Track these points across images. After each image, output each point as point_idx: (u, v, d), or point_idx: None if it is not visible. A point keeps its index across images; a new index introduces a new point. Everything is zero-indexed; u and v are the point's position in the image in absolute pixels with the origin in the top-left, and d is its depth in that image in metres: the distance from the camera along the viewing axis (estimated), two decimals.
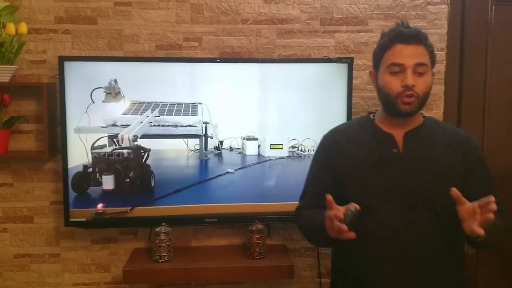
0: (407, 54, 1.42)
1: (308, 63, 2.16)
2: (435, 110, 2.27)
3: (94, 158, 2.05)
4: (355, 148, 1.53)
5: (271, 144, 2.15)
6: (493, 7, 2.29)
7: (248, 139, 2.14)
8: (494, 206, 1.22)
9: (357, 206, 1.29)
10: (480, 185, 1.48)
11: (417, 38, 1.43)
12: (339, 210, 1.29)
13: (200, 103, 2.09)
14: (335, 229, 1.29)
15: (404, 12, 2.23)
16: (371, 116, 1.59)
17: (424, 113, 1.58)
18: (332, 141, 1.60)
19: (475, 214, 1.26)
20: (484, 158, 1.56)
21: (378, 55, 1.50)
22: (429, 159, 1.47)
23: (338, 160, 1.55)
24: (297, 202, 1.64)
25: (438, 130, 1.54)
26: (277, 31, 2.20)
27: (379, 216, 1.44)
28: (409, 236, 1.42)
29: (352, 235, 1.27)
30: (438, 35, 2.24)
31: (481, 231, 1.23)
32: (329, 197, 1.31)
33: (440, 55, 2.26)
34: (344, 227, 1.26)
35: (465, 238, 1.35)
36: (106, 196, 2.07)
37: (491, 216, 1.22)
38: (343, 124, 1.67)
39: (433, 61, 1.48)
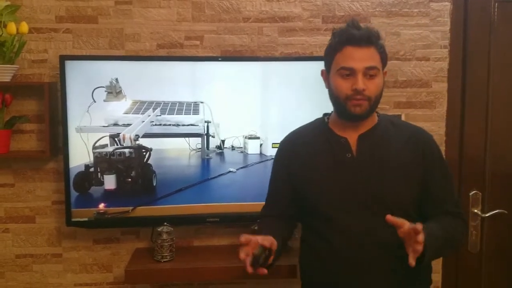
0: (358, 58, 1.39)
1: (310, 61, 2.14)
2: (438, 108, 2.26)
3: (95, 157, 2.04)
4: (311, 153, 1.52)
5: (273, 143, 2.14)
6: (496, 4, 2.27)
7: (250, 138, 2.13)
8: (420, 238, 1.20)
9: (266, 245, 1.30)
10: (439, 185, 1.47)
11: (367, 40, 1.40)
12: (247, 252, 1.29)
13: (201, 102, 2.08)
14: (247, 268, 1.30)
15: (407, 9, 2.21)
16: (326, 119, 1.57)
17: (379, 112, 1.55)
18: (289, 146, 1.59)
19: (411, 238, 1.23)
20: (441, 154, 1.53)
21: (329, 57, 1.47)
22: (385, 161, 1.44)
23: (295, 165, 1.53)
24: None
25: (393, 130, 1.51)
26: (279, 29, 2.19)
27: (336, 223, 1.43)
28: (369, 242, 1.40)
29: (262, 272, 1.30)
30: (441, 33, 2.23)
31: (412, 263, 1.22)
32: (242, 238, 1.31)
33: (443, 52, 2.24)
34: (249, 269, 1.28)
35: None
36: (108, 196, 2.06)
37: (419, 247, 1.21)
38: (299, 127, 1.63)
39: (384, 62, 1.45)
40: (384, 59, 1.45)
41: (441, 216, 1.44)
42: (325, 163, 1.48)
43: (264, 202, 1.67)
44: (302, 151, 1.54)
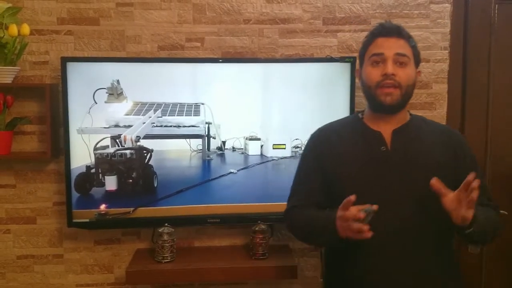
0: (388, 46, 1.43)
1: (311, 62, 2.16)
2: (439, 109, 2.26)
3: (97, 158, 2.05)
4: (345, 146, 1.52)
5: (273, 144, 2.15)
6: (496, 5, 2.28)
7: (250, 139, 2.14)
8: (475, 183, 1.22)
9: (375, 206, 1.28)
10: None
11: (398, 32, 1.45)
12: (356, 211, 1.28)
13: (202, 104, 2.08)
14: (354, 229, 1.28)
15: (407, 11, 2.22)
16: (359, 115, 1.58)
17: (411, 111, 1.57)
18: (322, 139, 1.58)
19: (461, 201, 1.25)
20: (471, 151, 1.55)
21: (362, 52, 1.51)
22: (418, 156, 1.46)
23: (329, 158, 1.53)
24: None
25: (426, 127, 1.53)
26: (280, 30, 2.19)
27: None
28: (400, 236, 1.41)
29: (370, 234, 1.27)
30: (441, 34, 2.23)
31: (470, 213, 1.24)
32: (352, 197, 1.29)
33: (443, 54, 2.25)
34: (365, 227, 1.26)
35: (456, 230, 1.34)
36: (109, 197, 2.07)
37: (475, 194, 1.23)
38: (331, 122, 1.64)
39: (416, 57, 1.48)
40: (416, 55, 1.48)
41: (483, 206, 1.44)
42: (358, 156, 1.48)
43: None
44: (335, 143, 1.54)
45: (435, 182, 1.28)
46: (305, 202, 1.56)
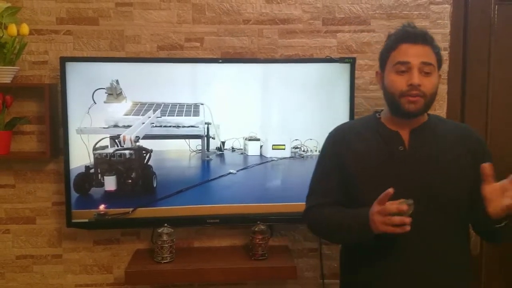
0: (413, 53, 1.41)
1: (310, 63, 2.15)
2: (438, 110, 2.26)
3: (96, 159, 2.05)
4: (363, 145, 1.52)
5: (273, 145, 2.14)
6: (496, 6, 2.28)
7: (250, 140, 2.14)
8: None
9: (410, 200, 1.28)
10: None
11: (423, 38, 1.42)
12: (396, 205, 1.28)
13: (202, 104, 2.08)
14: (395, 222, 1.27)
15: (407, 12, 2.22)
16: (377, 114, 1.58)
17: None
18: (340, 137, 1.58)
19: (504, 191, 1.25)
20: (490, 151, 1.54)
21: (384, 56, 1.49)
22: (436, 156, 1.45)
23: (346, 156, 1.52)
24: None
25: (443, 126, 1.53)
26: (279, 31, 2.19)
27: None
28: (416, 235, 1.39)
29: (408, 228, 1.27)
30: (441, 35, 2.23)
31: (509, 204, 1.23)
32: (390, 191, 1.29)
33: (443, 54, 2.20)
34: (408, 219, 1.26)
35: (488, 223, 1.31)
36: (108, 197, 2.06)
37: (507, 201, 1.23)
38: (348, 121, 1.65)
39: (439, 63, 1.47)
40: (439, 61, 1.46)
41: None
42: (376, 155, 1.48)
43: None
44: (353, 142, 1.53)
45: (488, 167, 1.27)
46: (323, 201, 1.55)
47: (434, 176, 1.43)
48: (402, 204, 1.27)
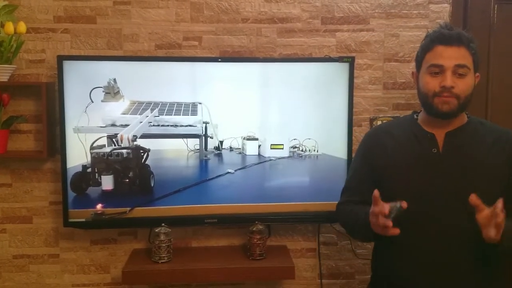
0: (447, 56, 1.40)
1: (309, 62, 2.14)
2: None
3: (93, 158, 2.04)
4: (396, 145, 1.52)
5: (271, 144, 2.14)
6: (496, 5, 2.27)
7: (248, 139, 2.13)
8: (499, 208, 1.22)
9: (404, 204, 1.29)
10: None
11: (458, 39, 1.41)
12: (384, 206, 1.30)
13: (200, 103, 2.07)
14: (380, 225, 1.30)
15: (406, 11, 2.21)
16: (415, 115, 1.58)
17: (469, 114, 1.55)
18: (374, 137, 1.60)
19: (492, 219, 1.24)
20: None
21: (420, 56, 1.49)
22: (471, 160, 1.44)
23: (379, 156, 1.54)
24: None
25: (483, 130, 1.51)
26: (278, 30, 2.18)
27: (414, 216, 1.42)
28: (445, 238, 1.40)
29: (396, 231, 1.28)
30: None
31: (493, 235, 1.23)
32: (376, 192, 1.31)
33: None
34: (389, 223, 1.27)
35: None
36: (105, 197, 2.05)
37: (499, 219, 1.22)
38: (386, 122, 1.68)
39: (476, 64, 1.45)
40: (476, 61, 1.45)
41: None
42: (409, 156, 1.48)
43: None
44: (388, 142, 1.54)
45: (474, 198, 1.27)
46: (350, 198, 1.59)
47: (466, 180, 1.42)
48: (383, 208, 1.29)
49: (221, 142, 2.13)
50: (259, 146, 2.14)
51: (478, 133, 1.50)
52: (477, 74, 1.48)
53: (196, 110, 2.07)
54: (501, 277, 1.51)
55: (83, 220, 2.05)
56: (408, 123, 1.56)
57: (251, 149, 2.13)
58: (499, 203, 1.23)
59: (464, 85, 1.41)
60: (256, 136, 2.13)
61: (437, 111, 1.43)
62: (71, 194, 2.04)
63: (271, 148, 2.13)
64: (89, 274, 2.23)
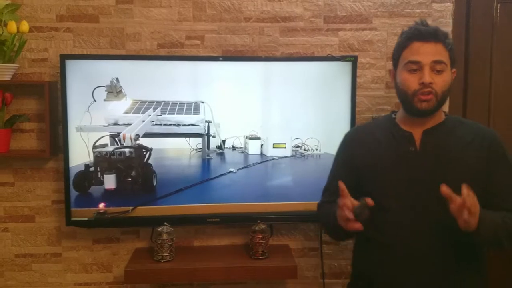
0: (424, 52, 1.41)
1: (312, 61, 2.14)
2: None
3: (95, 157, 2.04)
4: (376, 146, 1.53)
5: (274, 143, 2.13)
6: (499, 5, 2.27)
7: (250, 138, 2.13)
8: (465, 193, 1.23)
9: (370, 200, 1.30)
10: (502, 183, 1.46)
11: (434, 35, 1.42)
12: (349, 199, 1.32)
13: (202, 102, 2.07)
14: (342, 217, 1.32)
15: (409, 10, 2.20)
16: (393, 115, 1.59)
17: (447, 112, 1.56)
18: (355, 138, 1.62)
19: (464, 206, 1.25)
20: (507, 154, 1.51)
21: (397, 54, 1.49)
22: (448, 158, 1.45)
23: (361, 156, 1.55)
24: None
25: (460, 128, 1.51)
26: (280, 29, 2.18)
27: (393, 215, 1.44)
28: (424, 236, 1.40)
29: (358, 226, 1.30)
30: None
31: (472, 221, 1.24)
32: (342, 185, 1.33)
33: None
34: (350, 215, 1.29)
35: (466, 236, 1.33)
36: (108, 196, 2.05)
37: (468, 202, 1.23)
38: (365, 123, 1.69)
39: (453, 60, 1.46)
40: (452, 57, 1.46)
41: (503, 211, 1.42)
42: (388, 156, 1.49)
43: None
44: (366, 142, 1.55)
45: (444, 189, 1.27)
46: (330, 198, 1.59)
47: (444, 177, 1.41)
48: (347, 200, 1.32)
49: (224, 141, 2.12)
50: (262, 145, 2.14)
51: (456, 130, 1.50)
52: (454, 70, 1.49)
53: (199, 109, 2.07)
54: (483, 272, 1.51)
55: (86, 219, 2.05)
56: (387, 123, 1.57)
57: (253, 148, 2.13)
58: (464, 189, 1.24)
59: (442, 81, 1.42)
60: (259, 135, 2.13)
61: (416, 110, 1.44)
62: (74, 193, 2.04)
63: (273, 147, 2.13)
64: (92, 273, 2.23)
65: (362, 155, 1.54)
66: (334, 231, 1.54)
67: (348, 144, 1.63)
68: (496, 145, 1.49)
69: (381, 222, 1.45)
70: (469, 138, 1.48)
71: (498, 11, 2.27)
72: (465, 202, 1.23)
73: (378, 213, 1.44)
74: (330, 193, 1.62)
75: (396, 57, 1.50)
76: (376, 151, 1.52)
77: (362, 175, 1.53)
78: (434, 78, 1.40)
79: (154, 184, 2.08)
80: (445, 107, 2.23)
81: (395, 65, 1.51)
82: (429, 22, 2.16)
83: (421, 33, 1.43)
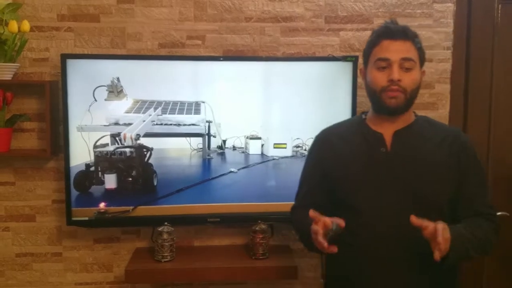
0: (394, 49, 1.41)
1: (313, 61, 2.14)
2: (441, 110, 2.25)
3: (96, 156, 2.04)
4: (347, 148, 1.52)
5: (274, 144, 2.13)
6: (500, 5, 2.26)
7: (251, 138, 2.13)
8: (438, 237, 1.23)
9: (341, 223, 1.31)
10: (472, 186, 1.46)
11: (403, 34, 1.43)
12: (323, 224, 1.31)
13: (203, 102, 2.07)
14: (317, 243, 1.32)
15: (410, 10, 2.20)
16: (363, 115, 1.58)
17: (417, 112, 1.56)
18: (325, 140, 1.60)
19: (436, 237, 1.24)
20: (476, 156, 1.51)
21: (367, 52, 1.50)
22: (419, 158, 1.44)
23: (330, 159, 1.54)
24: None
25: (430, 129, 1.51)
26: (281, 29, 2.18)
27: (365, 218, 1.44)
28: (396, 238, 1.39)
29: (332, 249, 1.30)
30: (444, 34, 2.22)
31: (437, 258, 1.23)
32: (311, 213, 1.34)
33: (446, 54, 2.23)
34: (325, 244, 1.29)
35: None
36: (109, 195, 2.06)
37: (441, 247, 1.23)
38: (335, 124, 1.65)
39: (421, 59, 1.47)
40: (421, 56, 1.47)
41: (473, 217, 1.43)
42: (359, 157, 1.49)
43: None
44: (337, 144, 1.55)
45: (414, 220, 1.27)
46: (304, 202, 1.59)
47: (415, 178, 1.42)
48: (319, 228, 1.32)
49: (224, 141, 2.12)
50: (262, 145, 2.14)
51: (426, 131, 1.50)
52: (423, 69, 1.49)
53: (199, 109, 2.07)
54: (454, 274, 1.51)
55: (86, 218, 2.06)
56: (357, 125, 1.56)
57: (254, 148, 2.13)
58: (430, 226, 1.24)
59: (410, 79, 1.42)
60: (259, 135, 2.13)
61: (385, 107, 1.44)
62: (74, 193, 2.04)
63: (274, 147, 2.13)
64: (92, 272, 2.23)
65: (333, 158, 1.53)
66: (309, 245, 1.52)
67: (318, 146, 1.61)
68: (466, 146, 1.49)
69: (353, 225, 1.45)
70: (439, 139, 1.48)
71: (499, 11, 2.27)
72: (437, 230, 1.23)
73: (350, 215, 1.44)
74: (302, 197, 1.62)
75: (366, 55, 1.50)
76: (346, 153, 1.51)
77: (333, 178, 1.52)
78: (402, 75, 1.40)
79: (155, 184, 2.08)
80: (446, 107, 2.25)
81: (366, 63, 1.51)
82: (430, 22, 2.20)
83: (391, 31, 1.43)
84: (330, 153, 1.55)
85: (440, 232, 1.23)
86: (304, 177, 1.64)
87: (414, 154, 1.45)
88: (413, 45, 1.44)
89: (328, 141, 1.58)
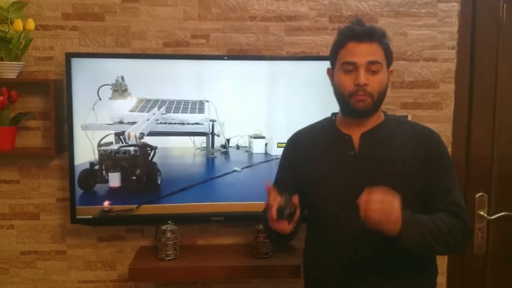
0: (360, 52, 1.39)
1: (317, 60, 2.13)
2: (445, 109, 2.24)
3: (100, 155, 2.04)
4: (316, 149, 1.52)
5: (278, 143, 2.13)
6: (505, 5, 2.25)
7: (255, 137, 2.13)
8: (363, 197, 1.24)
9: (295, 199, 1.32)
10: (439, 183, 1.44)
11: (369, 35, 1.40)
12: (275, 197, 1.31)
13: (207, 101, 2.07)
14: (270, 217, 1.32)
15: (415, 10, 2.20)
16: (333, 117, 1.58)
17: (387, 112, 1.55)
18: (296, 143, 1.60)
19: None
20: (446, 154, 1.49)
21: (333, 53, 1.48)
22: (386, 159, 1.44)
23: (301, 162, 1.54)
24: None
25: (398, 128, 1.50)
26: (286, 28, 2.18)
27: (335, 221, 1.44)
28: (367, 240, 1.37)
29: (283, 226, 1.31)
30: (448, 33, 2.22)
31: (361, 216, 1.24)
32: (267, 186, 1.34)
33: (451, 53, 2.23)
34: (274, 215, 1.29)
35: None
36: (113, 194, 2.06)
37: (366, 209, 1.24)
38: (307, 126, 1.64)
39: (388, 59, 1.45)
40: (388, 56, 1.45)
41: (437, 212, 1.41)
42: (329, 160, 1.48)
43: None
44: (308, 148, 1.54)
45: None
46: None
47: (383, 179, 1.40)
48: (273, 200, 1.32)
49: (228, 140, 2.13)
50: (266, 144, 2.14)
51: (394, 131, 1.49)
52: (390, 69, 1.48)
53: (203, 108, 2.08)
54: (431, 275, 1.51)
55: (90, 217, 2.06)
56: (328, 126, 1.56)
57: (258, 147, 2.13)
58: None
59: (377, 82, 1.41)
60: (263, 134, 2.13)
61: (353, 110, 1.43)
62: (79, 191, 2.05)
63: (278, 147, 2.13)
64: (96, 270, 2.24)
65: (304, 160, 1.53)
66: (269, 234, 1.52)
67: (289, 148, 1.62)
68: (434, 144, 1.47)
69: (324, 226, 1.45)
70: (406, 137, 1.47)
71: (504, 11, 2.26)
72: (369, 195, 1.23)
73: (320, 217, 1.45)
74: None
75: (333, 56, 1.49)
76: (319, 157, 1.50)
77: (303, 180, 1.52)
78: (369, 79, 1.39)
79: (159, 182, 2.08)
80: (450, 107, 2.24)
81: (333, 64, 1.50)
82: (435, 22, 2.20)
83: (356, 33, 1.41)
84: (300, 155, 1.55)
85: (365, 195, 1.24)
86: (276, 179, 1.64)
87: (380, 155, 1.44)
88: (379, 46, 1.41)
89: (299, 143, 1.58)
